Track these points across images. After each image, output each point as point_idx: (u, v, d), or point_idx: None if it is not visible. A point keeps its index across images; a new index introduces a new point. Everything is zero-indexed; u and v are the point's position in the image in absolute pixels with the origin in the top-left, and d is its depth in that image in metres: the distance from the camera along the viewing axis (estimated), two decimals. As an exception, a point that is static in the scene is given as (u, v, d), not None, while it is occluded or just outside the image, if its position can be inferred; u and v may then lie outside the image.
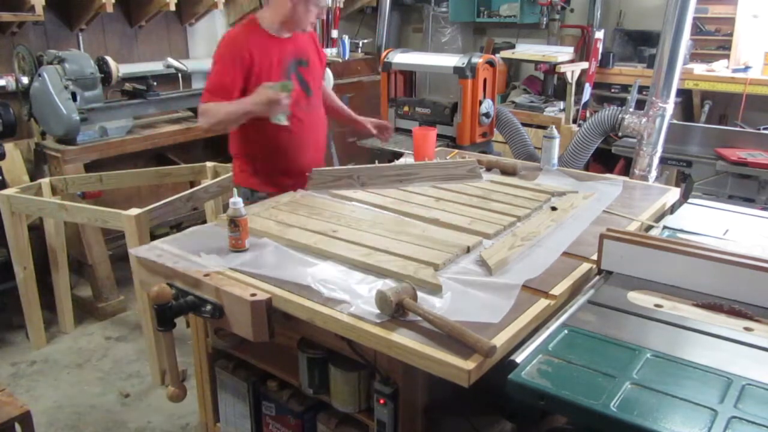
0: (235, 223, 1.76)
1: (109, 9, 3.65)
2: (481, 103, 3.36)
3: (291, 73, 2.35)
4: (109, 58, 3.57)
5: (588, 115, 4.41)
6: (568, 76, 4.57)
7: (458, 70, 3.33)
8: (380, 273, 1.63)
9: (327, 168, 2.36)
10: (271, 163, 2.42)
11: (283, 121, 2.14)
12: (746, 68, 4.38)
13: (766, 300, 1.43)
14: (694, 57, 4.57)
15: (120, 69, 3.66)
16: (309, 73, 2.44)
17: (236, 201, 1.77)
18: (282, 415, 1.85)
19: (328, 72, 2.65)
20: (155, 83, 3.88)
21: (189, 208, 3.06)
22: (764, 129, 3.68)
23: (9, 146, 3.43)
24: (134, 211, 2.61)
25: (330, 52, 4.82)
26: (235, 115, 2.22)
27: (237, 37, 2.31)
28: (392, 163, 2.56)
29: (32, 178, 3.51)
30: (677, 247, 1.55)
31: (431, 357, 1.28)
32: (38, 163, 3.62)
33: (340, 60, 4.95)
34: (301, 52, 2.41)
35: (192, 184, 3.42)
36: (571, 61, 4.73)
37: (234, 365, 1.94)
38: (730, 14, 4.46)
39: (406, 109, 3.67)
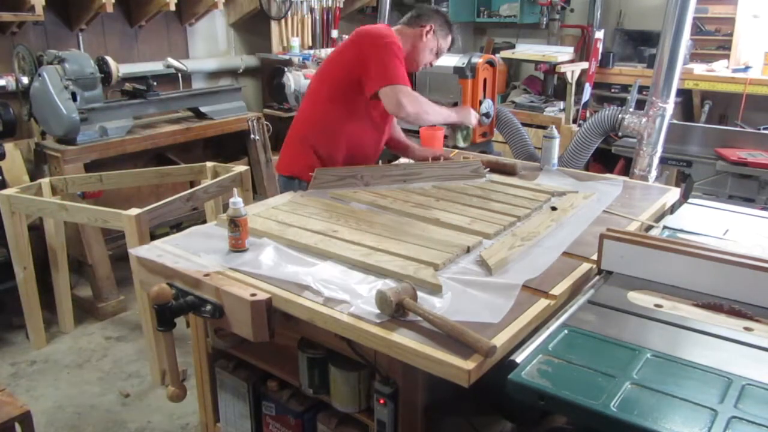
0: (235, 223, 1.75)
1: (109, 9, 3.65)
2: (481, 103, 3.36)
3: None
4: (109, 58, 3.57)
5: (588, 115, 4.42)
6: (568, 76, 4.58)
7: (458, 70, 3.33)
8: (380, 273, 1.63)
9: (331, 168, 2.35)
10: (337, 153, 2.42)
11: (461, 143, 2.70)
12: (746, 68, 4.38)
13: (766, 300, 1.43)
14: (694, 57, 4.58)
15: (120, 69, 3.66)
16: None
17: (236, 201, 1.76)
18: (282, 415, 1.85)
19: None
20: (155, 83, 3.88)
21: (189, 208, 3.06)
22: (764, 129, 3.68)
23: (9, 146, 3.43)
24: (134, 211, 2.61)
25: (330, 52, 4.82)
26: (443, 117, 2.50)
27: (393, 33, 2.37)
28: (395, 163, 2.55)
29: (32, 178, 3.51)
30: (677, 247, 1.55)
31: (431, 357, 1.28)
32: (38, 163, 3.62)
33: (340, 60, 4.94)
34: None
35: (192, 184, 3.42)
36: (571, 61, 4.73)
37: (234, 365, 1.94)
38: (730, 14, 4.46)
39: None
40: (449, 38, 2.50)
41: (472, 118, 2.61)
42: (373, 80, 2.24)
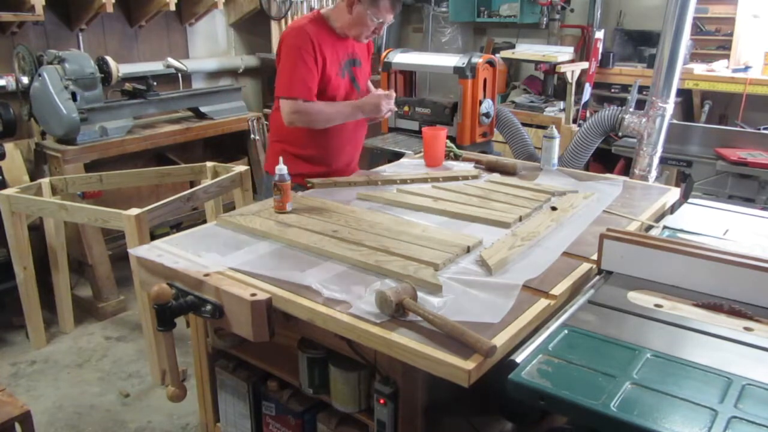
0: (277, 187, 2.01)
1: (109, 9, 3.65)
2: (481, 103, 3.36)
3: (345, 71, 2.43)
4: (109, 58, 3.58)
5: (588, 115, 4.42)
6: (568, 76, 4.58)
7: (458, 70, 3.33)
8: (380, 273, 1.63)
9: (327, 179, 2.38)
10: (308, 152, 2.45)
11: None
12: (746, 68, 4.38)
13: (766, 300, 1.43)
14: (694, 57, 4.58)
15: (120, 69, 3.66)
16: (360, 73, 2.51)
17: (281, 167, 2.01)
18: (282, 415, 1.85)
19: None
20: (155, 83, 3.89)
21: (189, 208, 3.06)
22: (764, 129, 3.68)
23: (9, 146, 3.43)
24: (134, 211, 2.61)
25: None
26: (343, 115, 2.37)
27: (304, 34, 2.30)
28: (391, 179, 2.45)
29: (32, 178, 3.51)
30: (677, 247, 1.55)
31: (431, 357, 1.28)
32: (38, 163, 3.62)
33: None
34: (356, 52, 2.48)
35: (192, 184, 3.42)
36: (571, 61, 4.73)
37: (234, 365, 1.94)
38: (730, 14, 4.46)
39: (406, 109, 3.67)
40: (380, 3, 2.25)
41: (382, 107, 2.35)
42: (276, 87, 2.35)
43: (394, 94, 2.38)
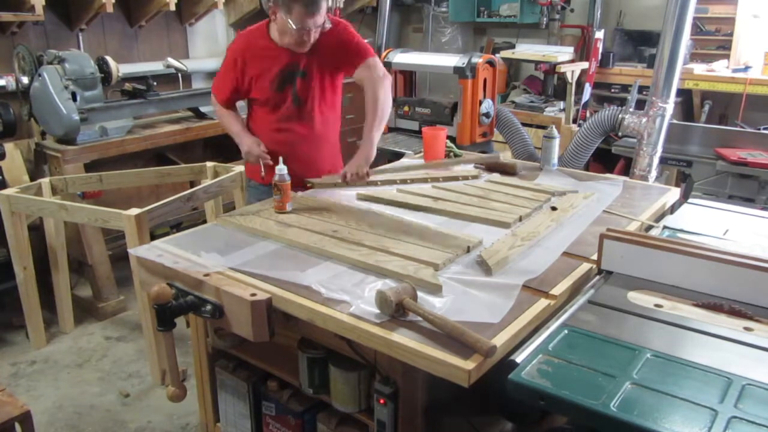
0: (277, 187, 2.03)
1: (109, 9, 3.64)
2: (481, 103, 3.36)
3: (277, 81, 2.34)
4: (109, 58, 3.57)
5: (588, 115, 4.42)
6: (568, 76, 4.58)
7: (458, 70, 3.33)
8: (380, 273, 1.63)
9: (327, 180, 2.36)
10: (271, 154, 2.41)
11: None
12: (746, 68, 4.38)
13: (766, 300, 1.43)
14: (694, 57, 4.58)
15: (120, 69, 3.66)
16: (304, 84, 2.36)
17: (281, 168, 2.03)
18: (282, 415, 1.85)
19: (376, 65, 2.38)
20: (155, 83, 3.88)
21: (189, 208, 3.06)
22: (764, 129, 3.68)
23: (9, 146, 3.43)
24: (134, 211, 2.61)
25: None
26: (229, 132, 2.48)
27: (239, 40, 2.43)
28: (391, 179, 2.43)
29: (32, 178, 3.51)
30: (677, 247, 1.55)
31: (431, 357, 1.28)
32: (38, 163, 3.62)
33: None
34: (300, 62, 2.32)
35: (192, 184, 3.42)
36: (571, 61, 4.73)
37: (234, 365, 1.94)
38: (730, 14, 4.46)
39: (406, 109, 3.67)
40: (292, 7, 2.13)
41: (252, 151, 2.34)
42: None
43: (259, 168, 2.32)
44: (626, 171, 3.38)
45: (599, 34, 4.64)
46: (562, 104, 4.78)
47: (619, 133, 3.36)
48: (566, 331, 1.35)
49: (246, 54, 2.33)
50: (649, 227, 1.99)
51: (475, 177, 2.47)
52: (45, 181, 3.12)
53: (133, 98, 3.80)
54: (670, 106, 2.96)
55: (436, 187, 2.34)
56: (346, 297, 1.50)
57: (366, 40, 2.47)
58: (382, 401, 1.52)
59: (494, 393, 1.36)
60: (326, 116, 2.48)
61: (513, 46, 5.20)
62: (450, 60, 3.43)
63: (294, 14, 2.13)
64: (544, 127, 3.91)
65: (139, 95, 3.80)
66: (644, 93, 3.44)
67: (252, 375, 1.91)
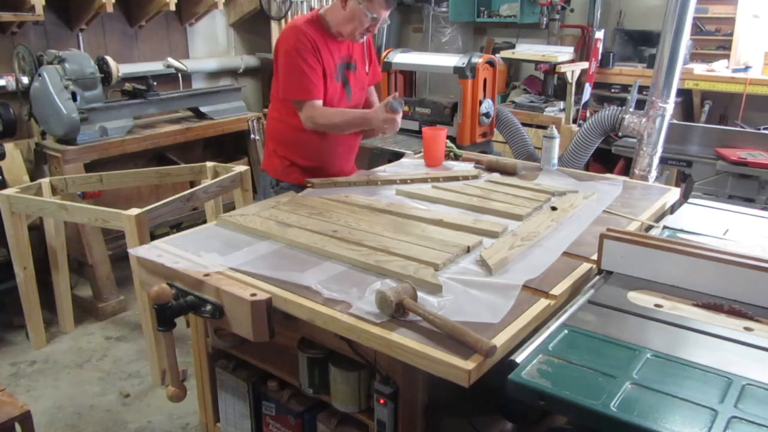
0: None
1: (109, 9, 3.65)
2: (481, 103, 3.36)
3: (340, 74, 2.38)
4: (109, 58, 3.58)
5: (588, 115, 4.41)
6: (568, 76, 4.58)
7: (458, 70, 3.33)
8: (380, 273, 1.63)
9: (327, 180, 2.37)
10: (302, 157, 2.44)
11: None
12: (746, 68, 4.38)
13: (766, 300, 1.43)
14: (694, 57, 4.58)
15: (120, 69, 3.67)
16: (354, 78, 2.45)
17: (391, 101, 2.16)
18: (282, 415, 1.85)
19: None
20: (155, 83, 3.89)
21: (189, 208, 3.06)
22: (764, 129, 3.68)
23: (9, 146, 3.43)
24: (134, 211, 2.61)
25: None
26: (353, 125, 2.34)
27: (304, 30, 2.28)
28: (391, 179, 2.44)
29: (32, 178, 3.51)
30: (677, 247, 1.55)
31: (431, 357, 1.28)
32: (38, 163, 3.62)
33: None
34: (352, 55, 2.43)
35: (192, 184, 3.42)
36: (571, 61, 4.73)
37: (234, 365, 1.94)
38: (730, 14, 4.46)
39: (406, 109, 3.67)
40: None
41: (385, 130, 2.31)
42: (285, 89, 2.32)
43: (398, 120, 2.26)
44: (626, 171, 3.38)
45: (599, 34, 4.64)
46: (562, 104, 4.78)
47: (619, 133, 3.36)
48: (566, 331, 1.35)
49: (318, 46, 2.28)
50: (649, 227, 1.99)
51: (475, 177, 2.47)
52: (45, 181, 3.12)
53: (133, 98, 3.81)
54: (670, 106, 2.97)
55: (436, 188, 2.34)
56: (346, 297, 1.50)
57: None
58: (382, 401, 1.52)
59: (494, 393, 1.36)
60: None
61: (513, 46, 5.20)
62: (450, 60, 3.43)
63: (374, 3, 2.20)
64: (544, 127, 3.91)
65: (139, 95, 3.81)
66: (644, 93, 3.44)
67: (252, 375, 1.91)
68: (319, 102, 2.30)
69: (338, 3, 2.26)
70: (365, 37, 2.37)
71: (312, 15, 2.36)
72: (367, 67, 2.52)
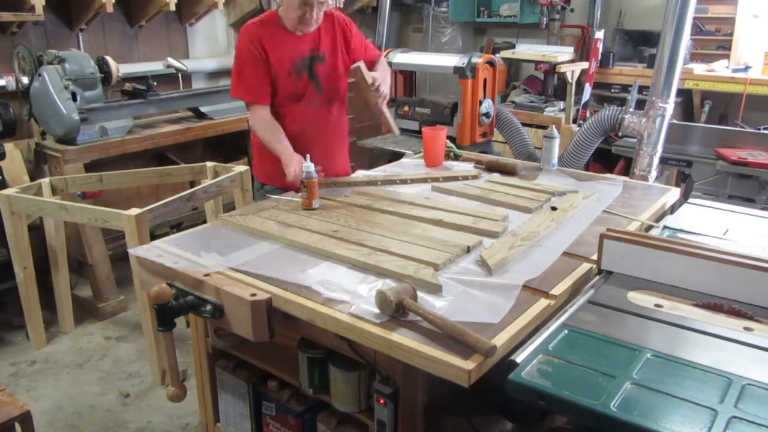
0: (304, 185, 2.06)
1: (109, 9, 3.65)
2: (481, 103, 3.36)
3: (304, 69, 2.35)
4: (109, 58, 3.57)
5: (588, 115, 4.42)
6: (568, 76, 4.58)
7: (458, 70, 3.33)
8: (380, 273, 1.63)
9: (327, 180, 2.36)
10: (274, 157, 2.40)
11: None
12: (746, 68, 4.38)
13: (766, 300, 1.43)
14: (694, 57, 4.58)
15: (120, 69, 3.66)
16: (323, 70, 2.40)
17: (308, 165, 2.05)
18: (282, 415, 1.85)
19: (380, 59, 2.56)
20: (155, 83, 3.89)
21: (189, 208, 3.06)
22: (764, 129, 3.68)
23: (9, 146, 3.43)
24: (134, 211, 2.61)
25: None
26: (270, 148, 2.29)
27: (251, 31, 2.30)
28: (391, 179, 2.44)
29: (32, 178, 3.51)
30: (677, 247, 1.55)
31: (431, 357, 1.28)
32: (38, 163, 3.62)
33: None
34: (317, 48, 2.37)
35: (192, 184, 3.42)
36: (571, 61, 4.73)
37: (234, 365, 1.94)
38: (730, 14, 4.46)
39: (406, 109, 3.67)
40: None
41: (290, 169, 2.15)
42: (233, 88, 2.36)
43: (299, 181, 2.12)
44: (626, 171, 3.38)
45: (599, 34, 4.64)
46: (562, 104, 4.78)
47: (619, 133, 3.36)
48: (566, 331, 1.35)
49: (265, 44, 2.27)
50: (649, 227, 1.99)
51: (475, 177, 2.47)
52: (45, 181, 3.12)
53: (133, 98, 3.81)
54: (670, 106, 2.97)
55: (435, 189, 2.34)
56: (346, 297, 1.50)
57: (368, 40, 2.51)
58: (382, 401, 1.52)
59: (494, 393, 1.36)
60: (343, 104, 2.54)
61: (513, 46, 5.20)
62: (450, 60, 3.43)
63: None
64: (544, 127, 3.92)
65: (139, 95, 3.80)
66: (644, 93, 3.45)
67: (252, 375, 1.91)
68: (260, 105, 2.30)
69: None
70: (311, 24, 2.29)
71: (267, 14, 2.36)
72: (344, 57, 2.44)
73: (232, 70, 2.37)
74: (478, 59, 3.31)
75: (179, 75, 4.33)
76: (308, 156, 2.08)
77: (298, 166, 2.12)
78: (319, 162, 2.34)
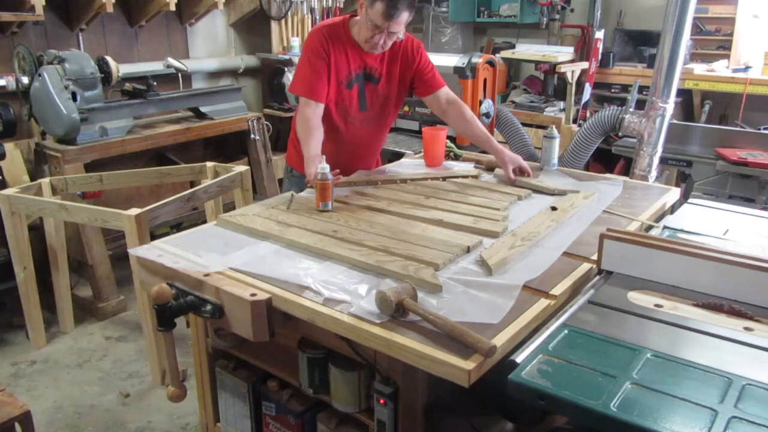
0: (315, 186, 2.06)
1: (109, 9, 3.65)
2: (481, 103, 3.36)
3: (355, 83, 2.36)
4: (109, 58, 3.57)
5: (588, 115, 4.42)
6: (568, 76, 4.58)
7: (458, 70, 3.33)
8: (380, 273, 1.63)
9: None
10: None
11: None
12: (746, 68, 4.39)
13: (766, 300, 1.43)
14: (694, 57, 4.58)
15: (120, 69, 3.66)
16: (371, 91, 2.40)
17: (323, 166, 2.03)
18: (282, 415, 1.85)
19: (448, 93, 2.50)
20: (155, 83, 3.89)
21: (189, 208, 3.06)
22: (764, 129, 3.68)
23: (9, 146, 3.43)
24: (134, 211, 2.61)
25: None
26: (301, 145, 2.28)
27: (321, 31, 2.30)
28: (391, 179, 2.43)
29: (32, 178, 3.51)
30: (677, 247, 1.55)
31: (431, 357, 1.28)
32: (38, 163, 3.62)
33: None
34: (374, 67, 2.37)
35: (192, 184, 3.42)
36: (572, 61, 4.73)
37: (234, 365, 1.94)
38: (730, 14, 4.46)
39: (406, 109, 3.67)
40: (375, 2, 2.12)
41: (310, 170, 2.13)
42: (292, 83, 2.38)
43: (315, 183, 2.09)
44: (626, 171, 3.39)
45: (599, 34, 4.64)
46: (562, 104, 4.78)
47: (619, 133, 3.36)
48: (566, 331, 1.35)
49: (332, 47, 2.27)
50: (649, 227, 1.99)
51: (475, 177, 2.47)
52: (45, 181, 3.12)
53: (133, 98, 3.81)
54: (670, 106, 2.97)
55: (436, 190, 2.34)
56: (346, 297, 1.50)
57: None
58: (382, 401, 1.52)
59: (494, 393, 1.36)
60: (385, 127, 2.56)
61: (513, 46, 5.20)
62: (450, 60, 3.43)
63: (374, 9, 2.14)
64: (544, 127, 3.92)
65: (139, 95, 3.80)
66: (644, 93, 3.45)
67: (252, 375, 1.91)
68: (315, 103, 2.28)
69: (360, 9, 2.23)
70: (377, 49, 2.27)
71: (341, 18, 2.36)
72: (401, 85, 2.44)
73: (299, 67, 2.36)
74: (478, 59, 3.31)
75: (179, 75, 4.33)
76: (324, 157, 2.06)
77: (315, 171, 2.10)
78: (353, 168, 2.43)
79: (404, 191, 2.28)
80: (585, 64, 4.71)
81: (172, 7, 3.94)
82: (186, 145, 4.14)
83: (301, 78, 2.31)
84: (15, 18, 3.39)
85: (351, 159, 2.47)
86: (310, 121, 2.26)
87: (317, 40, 2.27)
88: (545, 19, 5.03)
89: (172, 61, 4.05)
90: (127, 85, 3.86)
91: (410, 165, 2.69)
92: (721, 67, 4.42)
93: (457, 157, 2.76)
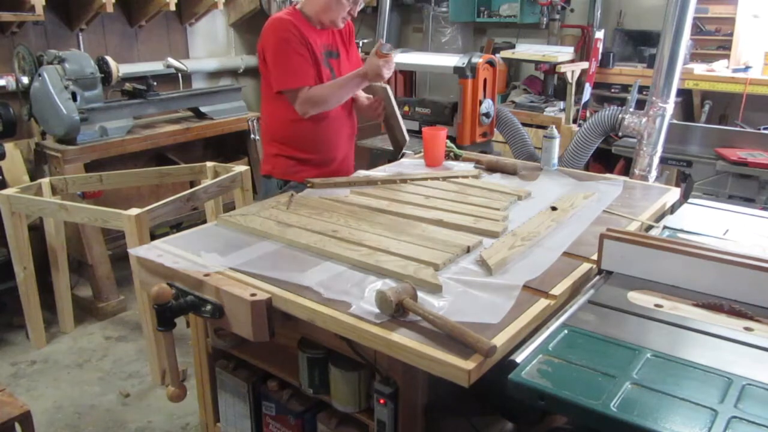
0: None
1: (109, 9, 3.65)
2: (481, 103, 3.36)
3: (327, 59, 2.41)
4: (109, 58, 3.58)
5: (588, 115, 4.42)
6: (568, 76, 4.58)
7: (458, 70, 3.33)
8: (380, 273, 1.63)
9: (327, 180, 2.37)
10: (303, 150, 2.45)
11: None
12: (746, 68, 4.38)
13: (766, 300, 1.43)
14: (694, 57, 4.58)
15: (120, 69, 3.67)
16: (338, 66, 2.48)
17: (385, 45, 2.19)
18: (282, 415, 1.85)
19: None
20: (155, 83, 3.89)
21: (189, 208, 3.06)
22: (764, 129, 3.68)
23: (9, 146, 3.43)
24: (134, 211, 2.61)
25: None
26: (350, 87, 2.34)
27: (284, 20, 2.32)
28: (391, 179, 2.44)
29: (32, 178, 3.51)
30: (677, 247, 1.55)
31: (431, 357, 1.28)
32: (38, 163, 3.62)
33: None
34: (333, 43, 2.47)
35: (192, 184, 3.42)
36: (572, 61, 4.73)
37: (234, 365, 1.94)
38: (730, 14, 4.46)
39: (406, 109, 3.67)
40: None
41: (383, 72, 2.26)
42: (276, 80, 2.33)
43: (392, 57, 2.27)
44: (626, 171, 3.38)
45: (599, 34, 4.64)
46: (562, 104, 4.78)
47: (619, 133, 3.36)
48: (566, 331, 1.35)
49: (303, 33, 2.30)
50: (649, 227, 1.99)
51: (475, 177, 2.47)
52: (45, 181, 3.12)
53: (133, 98, 3.81)
54: (670, 106, 2.96)
55: (436, 189, 2.34)
56: (346, 297, 1.50)
57: (366, 40, 2.55)
58: (382, 401, 1.52)
59: (494, 393, 1.36)
60: (349, 101, 2.57)
61: (513, 46, 5.20)
62: (450, 60, 3.43)
63: None
64: (544, 127, 3.91)
65: (139, 95, 3.81)
66: (644, 93, 3.44)
67: (252, 375, 1.91)
68: (313, 88, 2.32)
69: None
70: (344, 23, 2.42)
71: (290, 9, 2.40)
72: (349, 57, 2.57)
73: (273, 61, 2.31)
74: (478, 59, 3.31)
75: (179, 75, 4.33)
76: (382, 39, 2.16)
77: (374, 59, 2.23)
78: (342, 151, 2.51)
79: (404, 191, 2.28)
80: (585, 64, 4.71)
81: (172, 7, 3.94)
82: (186, 145, 4.15)
83: (293, 70, 2.30)
84: (15, 18, 3.40)
85: (345, 138, 2.55)
86: (319, 87, 2.32)
87: (289, 30, 2.29)
88: (545, 19, 5.03)
89: (172, 61, 4.06)
90: (127, 85, 3.87)
91: (410, 165, 2.68)
92: (721, 67, 4.41)
93: (457, 157, 2.76)
